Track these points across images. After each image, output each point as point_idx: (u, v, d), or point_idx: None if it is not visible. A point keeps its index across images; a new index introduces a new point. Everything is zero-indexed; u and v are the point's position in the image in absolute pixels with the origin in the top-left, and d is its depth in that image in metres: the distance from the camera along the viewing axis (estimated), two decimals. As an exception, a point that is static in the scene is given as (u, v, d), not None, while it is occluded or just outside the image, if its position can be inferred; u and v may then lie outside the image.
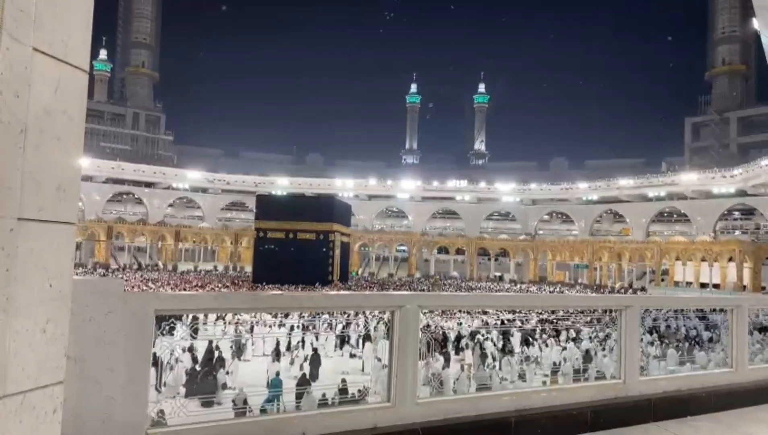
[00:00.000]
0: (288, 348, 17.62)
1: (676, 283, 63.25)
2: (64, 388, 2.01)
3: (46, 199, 1.87)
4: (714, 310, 7.77)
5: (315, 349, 16.62)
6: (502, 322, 22.92)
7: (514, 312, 22.23)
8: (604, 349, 17.01)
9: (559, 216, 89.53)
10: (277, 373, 13.36)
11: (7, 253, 1.71)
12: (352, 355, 18.48)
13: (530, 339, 19.51)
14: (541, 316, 20.74)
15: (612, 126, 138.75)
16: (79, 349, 2.69)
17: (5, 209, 1.71)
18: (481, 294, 22.16)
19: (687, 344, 17.52)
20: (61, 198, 1.94)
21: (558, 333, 21.08)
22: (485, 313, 24.92)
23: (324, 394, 6.17)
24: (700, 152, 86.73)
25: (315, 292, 27.77)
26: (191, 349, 15.09)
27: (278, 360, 15.40)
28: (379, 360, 7.34)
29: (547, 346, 19.08)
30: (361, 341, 17.81)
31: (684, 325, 19.76)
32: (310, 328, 12.65)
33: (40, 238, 1.86)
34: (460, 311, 22.88)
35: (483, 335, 18.84)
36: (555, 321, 19.06)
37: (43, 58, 1.86)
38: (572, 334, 20.98)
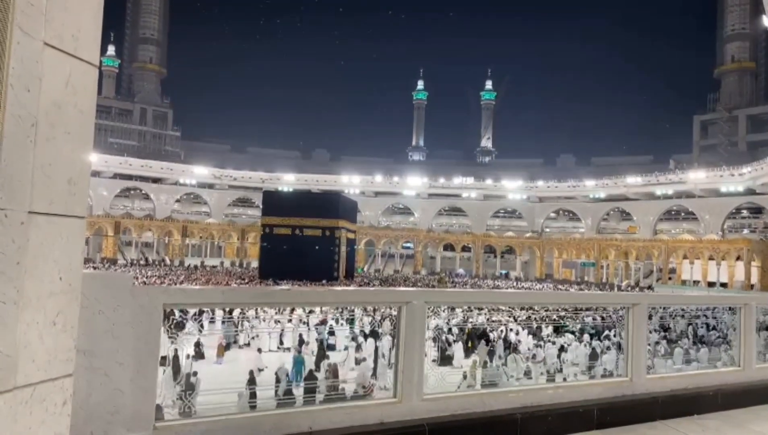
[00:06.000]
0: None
1: (684, 282, 62.80)
2: (73, 380, 2.02)
3: (56, 192, 1.88)
4: (722, 308, 7.74)
5: (321, 343, 16.57)
6: (513, 319, 22.85)
7: (523, 308, 22.17)
8: (608, 347, 16.94)
9: (566, 213, 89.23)
10: (300, 351, 13.33)
11: (18, 245, 1.72)
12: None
13: (536, 336, 19.46)
14: (547, 313, 20.67)
15: (620, 123, 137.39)
16: (88, 342, 2.70)
17: (16, 202, 1.72)
18: (487, 291, 22.12)
19: (694, 343, 17.43)
20: (72, 191, 1.95)
21: (564, 330, 21.01)
22: (497, 310, 24.80)
23: (330, 389, 6.17)
24: (709, 150, 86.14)
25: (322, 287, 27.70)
26: (198, 344, 15.10)
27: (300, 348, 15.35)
28: (384, 356, 7.35)
29: (553, 343, 19.02)
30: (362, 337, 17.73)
31: (691, 324, 19.65)
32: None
33: (51, 232, 1.87)
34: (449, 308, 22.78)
35: (491, 332, 18.78)
36: (561, 318, 19.00)
37: (54, 52, 1.86)
38: (578, 331, 20.91)
